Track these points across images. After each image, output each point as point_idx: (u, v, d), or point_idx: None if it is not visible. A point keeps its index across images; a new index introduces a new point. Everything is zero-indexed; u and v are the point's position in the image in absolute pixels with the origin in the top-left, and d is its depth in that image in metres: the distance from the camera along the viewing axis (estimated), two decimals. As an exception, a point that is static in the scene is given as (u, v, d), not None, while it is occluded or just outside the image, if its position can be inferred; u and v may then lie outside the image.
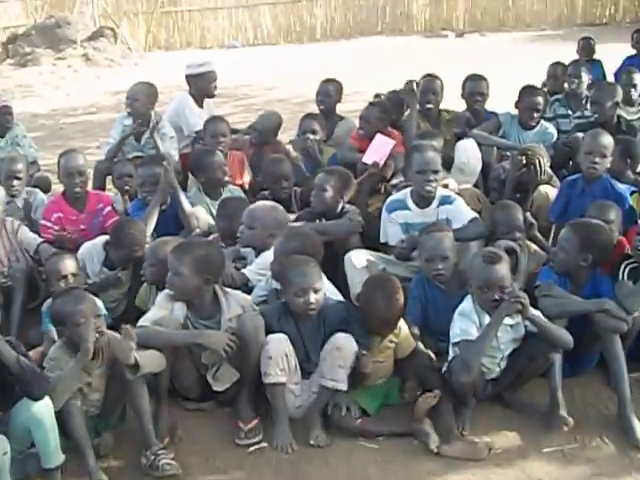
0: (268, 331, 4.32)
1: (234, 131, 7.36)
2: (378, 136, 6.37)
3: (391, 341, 4.44)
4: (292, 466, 4.13)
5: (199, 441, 4.35)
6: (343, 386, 4.22)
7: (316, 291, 4.31)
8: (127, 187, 6.40)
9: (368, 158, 6.18)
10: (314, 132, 6.83)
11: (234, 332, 4.31)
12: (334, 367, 4.21)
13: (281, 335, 4.28)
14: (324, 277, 4.70)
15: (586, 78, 7.71)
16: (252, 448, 4.18)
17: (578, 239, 4.61)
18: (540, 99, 6.88)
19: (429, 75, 7.28)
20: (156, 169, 5.90)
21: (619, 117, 6.81)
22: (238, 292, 4.64)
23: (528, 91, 6.96)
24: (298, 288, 4.29)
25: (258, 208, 5.27)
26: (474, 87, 7.14)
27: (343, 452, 4.13)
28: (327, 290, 4.70)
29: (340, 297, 4.82)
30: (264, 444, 4.26)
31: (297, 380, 4.37)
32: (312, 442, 4.18)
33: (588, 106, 7.23)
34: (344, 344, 4.24)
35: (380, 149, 6.23)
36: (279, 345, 4.22)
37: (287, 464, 4.15)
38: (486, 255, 4.36)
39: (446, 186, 5.82)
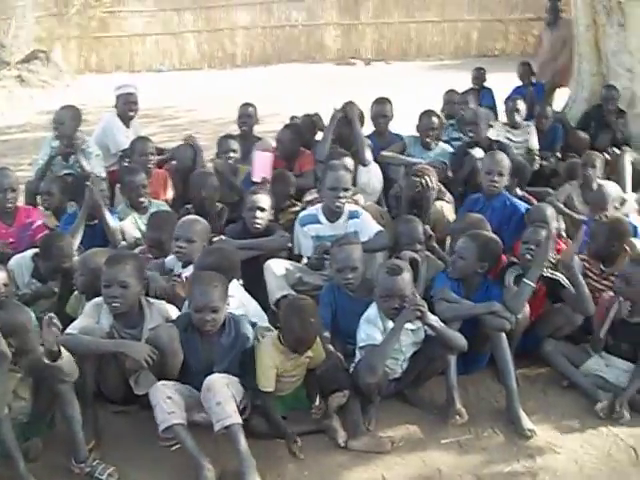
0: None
1: (159, 151, 7.26)
2: (257, 153, 6.34)
3: (307, 357, 4.38)
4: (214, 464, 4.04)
5: (124, 442, 4.25)
6: (231, 420, 3.91)
7: (214, 310, 4.13)
8: (46, 204, 6.23)
9: (257, 176, 6.14)
10: (233, 152, 6.79)
11: (151, 342, 4.18)
12: (214, 408, 3.96)
13: (158, 384, 4.06)
14: (249, 298, 4.71)
15: (473, 105, 7.87)
16: (175, 447, 4.06)
17: (476, 248, 4.71)
18: (435, 120, 7.03)
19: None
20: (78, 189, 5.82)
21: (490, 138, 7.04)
22: (162, 302, 4.55)
23: (425, 114, 7.11)
24: (196, 305, 4.16)
25: (193, 222, 5.15)
26: (379, 110, 7.18)
27: (261, 451, 4.05)
28: (252, 309, 4.68)
29: (264, 320, 4.73)
30: (179, 445, 4.13)
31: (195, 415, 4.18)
32: None
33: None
34: (212, 383, 4.04)
35: (263, 165, 6.20)
36: (158, 393, 4.00)
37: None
38: (389, 267, 4.39)
39: (356, 202, 5.86)
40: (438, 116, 7.18)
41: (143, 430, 4.23)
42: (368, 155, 6.52)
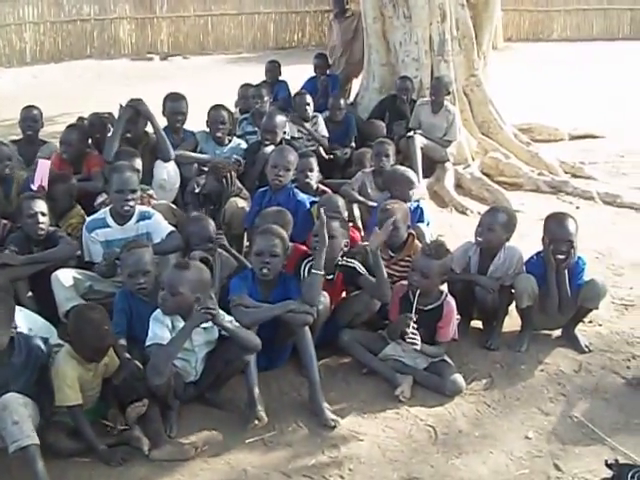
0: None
1: None
2: (40, 161, 6.02)
3: (105, 364, 4.21)
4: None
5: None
6: (29, 440, 3.67)
7: None
8: None
9: (35, 184, 5.81)
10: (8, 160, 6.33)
11: None
12: (9, 428, 3.69)
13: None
14: (34, 317, 4.46)
15: (267, 98, 7.87)
16: None
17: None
18: (224, 114, 6.94)
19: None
20: None
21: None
22: None
23: (213, 109, 7.02)
24: None
25: None
26: (175, 107, 6.94)
27: (57, 472, 3.82)
28: (39, 327, 4.40)
29: (54, 335, 4.47)
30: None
31: None
32: None
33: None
34: (7, 402, 3.78)
35: (43, 172, 5.89)
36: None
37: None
38: (176, 262, 4.35)
39: (151, 197, 5.74)
40: (227, 110, 7.08)
41: None
42: (171, 150, 6.35)
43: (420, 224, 5.77)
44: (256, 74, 9.99)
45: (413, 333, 4.55)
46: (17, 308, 4.22)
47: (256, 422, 4.22)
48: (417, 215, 5.87)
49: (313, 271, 4.57)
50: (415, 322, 4.58)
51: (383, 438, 4.23)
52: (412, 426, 4.34)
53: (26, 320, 4.37)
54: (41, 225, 5.19)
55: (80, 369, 4.08)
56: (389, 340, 4.80)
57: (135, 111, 6.31)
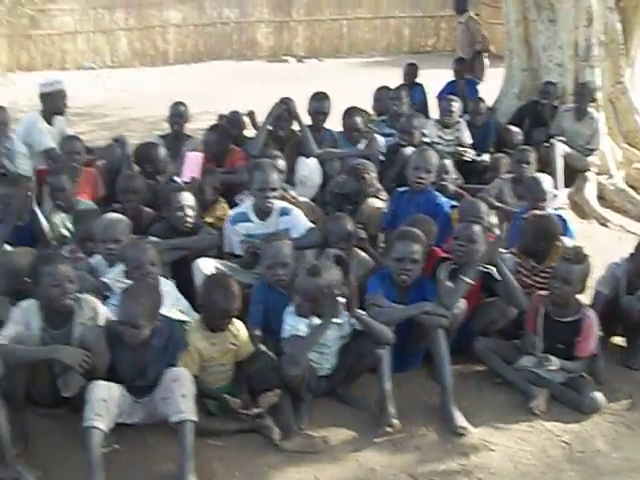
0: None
1: (88, 150, 7.03)
2: (187, 154, 6.24)
3: (232, 343, 4.31)
4: (143, 466, 3.95)
5: (52, 446, 4.09)
6: (192, 416, 3.86)
7: (134, 326, 3.99)
8: None
9: (186, 176, 6.01)
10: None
11: (78, 343, 4.06)
12: (176, 399, 3.89)
13: (102, 382, 3.96)
14: (177, 294, 4.64)
15: (406, 100, 7.85)
16: (104, 450, 3.86)
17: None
18: (357, 119, 6.99)
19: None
20: (5, 190, 5.52)
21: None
22: (89, 296, 4.36)
23: (347, 113, 7.08)
24: (119, 317, 4.07)
25: (115, 221, 5.02)
26: (318, 106, 7.03)
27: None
28: (184, 308, 4.61)
29: (183, 301, 4.69)
30: (116, 446, 4.03)
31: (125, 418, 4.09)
32: None
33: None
34: (180, 374, 4.01)
35: (193, 165, 6.08)
36: (95, 391, 3.88)
37: (139, 465, 3.96)
38: (309, 267, 4.35)
39: (290, 197, 5.84)
40: (363, 112, 7.12)
41: (72, 433, 4.05)
42: (314, 147, 6.45)
43: (565, 237, 5.50)
44: (390, 78, 9.96)
45: (544, 358, 4.47)
46: (172, 287, 4.52)
47: (388, 429, 4.20)
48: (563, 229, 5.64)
49: (462, 278, 4.53)
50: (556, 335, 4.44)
51: (515, 450, 4.13)
52: (546, 441, 4.22)
53: (177, 298, 4.62)
54: (188, 218, 5.37)
55: (205, 342, 4.24)
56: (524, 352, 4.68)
57: (285, 109, 6.42)
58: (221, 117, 7.71)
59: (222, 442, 4.12)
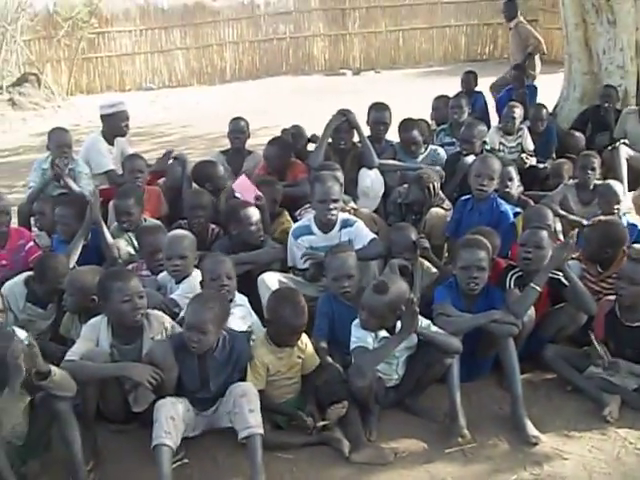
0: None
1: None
2: (233, 185, 6.21)
3: (299, 357, 4.34)
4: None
5: (123, 462, 4.17)
6: (260, 430, 3.89)
7: (202, 331, 4.02)
8: (39, 225, 6.18)
9: (249, 197, 5.90)
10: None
11: (146, 359, 4.13)
12: (245, 415, 3.93)
13: (169, 400, 4.02)
14: (250, 309, 4.68)
15: (466, 109, 7.84)
16: (174, 465, 3.94)
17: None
18: (415, 133, 6.96)
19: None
20: (64, 211, 5.72)
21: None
22: (157, 312, 4.45)
23: (403, 126, 7.06)
24: (187, 322, 4.08)
25: (181, 237, 5.06)
26: (379, 117, 7.03)
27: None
28: (253, 321, 4.66)
29: (254, 316, 4.72)
30: (186, 460, 4.10)
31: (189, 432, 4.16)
32: None
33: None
34: (247, 390, 4.04)
35: (245, 188, 6.04)
36: (163, 409, 3.94)
37: (209, 479, 4.00)
38: (376, 284, 4.31)
39: (350, 209, 5.85)
40: (419, 127, 7.10)
41: (142, 449, 4.10)
42: (375, 158, 6.47)
43: (637, 245, 5.40)
44: (447, 87, 9.94)
45: (613, 363, 4.40)
46: (244, 300, 4.60)
47: (459, 440, 4.17)
48: (634, 234, 5.56)
49: (532, 285, 4.48)
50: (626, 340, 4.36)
51: (589, 459, 4.05)
52: (621, 448, 4.13)
53: (248, 311, 4.68)
54: (260, 232, 5.43)
55: (271, 356, 4.26)
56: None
57: (344, 120, 6.47)
58: (284, 131, 7.75)
59: (292, 455, 4.14)
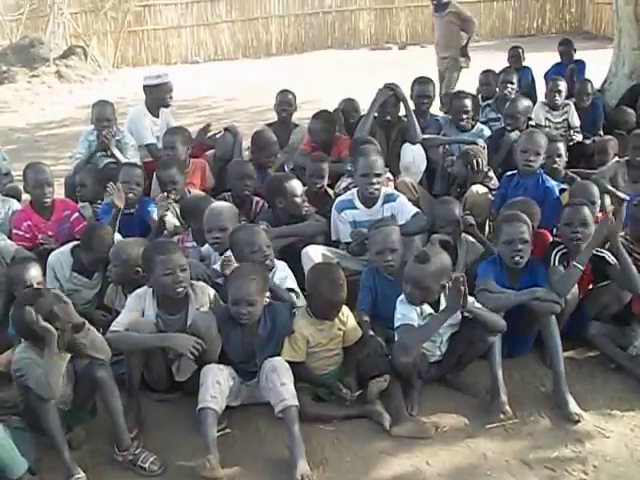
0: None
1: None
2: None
3: (339, 329, 4.36)
4: (256, 451, 4.04)
5: (166, 430, 4.24)
6: (294, 401, 3.94)
7: (250, 303, 4.10)
8: (81, 196, 6.19)
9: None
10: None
11: (190, 330, 4.18)
12: (277, 389, 3.98)
13: (216, 365, 4.10)
14: (290, 274, 4.70)
15: (516, 84, 7.75)
16: (217, 434, 3.99)
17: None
18: (467, 102, 6.89)
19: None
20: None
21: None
22: (202, 283, 4.52)
23: (456, 96, 7.00)
24: (233, 297, 4.14)
25: (222, 210, 5.09)
26: (422, 90, 7.00)
27: (302, 436, 3.92)
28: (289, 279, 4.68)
29: (294, 284, 4.72)
30: (228, 430, 4.16)
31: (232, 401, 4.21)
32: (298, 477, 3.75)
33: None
34: (277, 364, 4.09)
35: None
36: (210, 373, 4.03)
37: (252, 450, 4.05)
38: (417, 255, 4.29)
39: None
40: (472, 96, 7.03)
41: (185, 417, 4.22)
42: (419, 133, 6.43)
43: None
44: (494, 62, 9.81)
45: None
46: (279, 264, 4.66)
47: (501, 416, 4.17)
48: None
49: (575, 264, 4.43)
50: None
51: (631, 437, 4.03)
52: (664, 428, 4.10)
53: (286, 273, 4.72)
54: (305, 204, 5.49)
55: (311, 328, 4.30)
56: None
57: (391, 94, 6.43)
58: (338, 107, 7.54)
59: (333, 427, 4.18)
